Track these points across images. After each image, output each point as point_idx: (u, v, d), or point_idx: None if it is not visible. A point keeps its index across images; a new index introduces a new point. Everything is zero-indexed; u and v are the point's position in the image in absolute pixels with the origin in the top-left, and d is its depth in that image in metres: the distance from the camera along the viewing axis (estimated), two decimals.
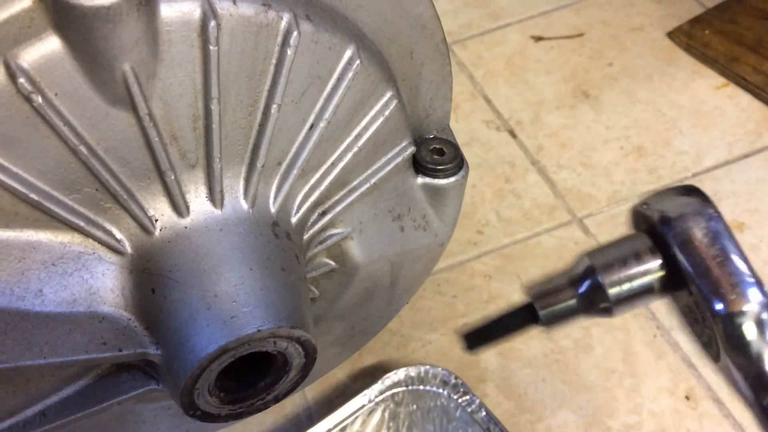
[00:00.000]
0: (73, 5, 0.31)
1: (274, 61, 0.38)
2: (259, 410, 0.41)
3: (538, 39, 1.05)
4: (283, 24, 0.38)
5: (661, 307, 0.77)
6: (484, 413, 0.63)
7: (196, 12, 0.35)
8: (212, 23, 0.35)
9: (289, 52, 0.38)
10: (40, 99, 0.33)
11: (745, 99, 0.94)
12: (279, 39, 0.38)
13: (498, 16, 1.08)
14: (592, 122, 0.95)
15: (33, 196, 0.35)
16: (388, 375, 0.64)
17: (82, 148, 0.35)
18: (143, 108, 0.35)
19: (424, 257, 0.50)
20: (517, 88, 1.00)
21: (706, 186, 0.85)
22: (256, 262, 0.38)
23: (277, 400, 0.41)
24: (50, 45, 0.33)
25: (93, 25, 0.32)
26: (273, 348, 0.38)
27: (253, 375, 0.40)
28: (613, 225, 0.86)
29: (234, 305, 0.37)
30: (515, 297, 0.79)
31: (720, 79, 0.97)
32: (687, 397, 0.71)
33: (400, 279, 0.50)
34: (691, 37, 0.99)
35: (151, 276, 0.37)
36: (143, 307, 0.38)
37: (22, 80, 0.33)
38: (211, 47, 0.36)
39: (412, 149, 0.46)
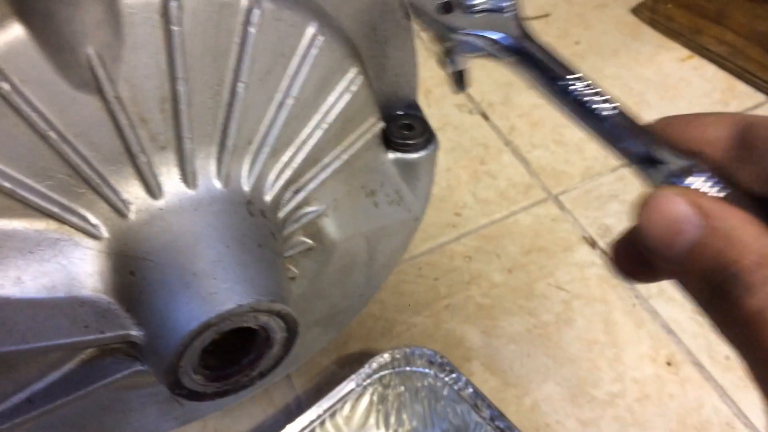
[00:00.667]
0: None
1: (237, 39, 0.39)
2: (245, 387, 0.41)
3: None
4: (244, 2, 0.38)
5: None
6: (471, 390, 0.63)
7: None
8: (173, 3, 0.36)
9: (252, 30, 0.38)
10: (7, 86, 0.33)
11: (710, 69, 0.96)
12: (241, 17, 0.38)
13: None
14: None
15: (6, 184, 0.35)
16: (375, 358, 0.64)
17: (52, 134, 0.35)
18: (110, 91, 0.36)
19: (399, 232, 0.51)
20: (487, 69, 1.01)
21: None
22: (233, 239, 0.38)
23: (262, 376, 0.41)
24: (13, 32, 0.33)
25: (54, 9, 0.33)
26: (254, 323, 0.39)
27: (236, 352, 0.40)
28: (588, 200, 0.87)
29: (213, 282, 0.37)
30: (496, 276, 0.80)
31: (684, 51, 0.99)
32: (668, 363, 0.72)
33: (378, 255, 0.51)
34: (654, 12, 1.00)
35: (129, 258, 0.38)
36: (123, 289, 0.38)
37: None
38: (173, 28, 0.36)
39: (381, 125, 0.47)
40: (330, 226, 0.46)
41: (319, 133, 0.43)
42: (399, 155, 0.49)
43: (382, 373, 0.65)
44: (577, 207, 0.87)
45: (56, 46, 0.34)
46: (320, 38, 0.41)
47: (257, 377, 0.41)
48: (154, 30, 0.36)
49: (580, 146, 0.91)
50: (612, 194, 0.86)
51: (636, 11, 1.01)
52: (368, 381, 0.63)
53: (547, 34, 1.03)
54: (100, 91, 0.36)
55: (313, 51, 0.41)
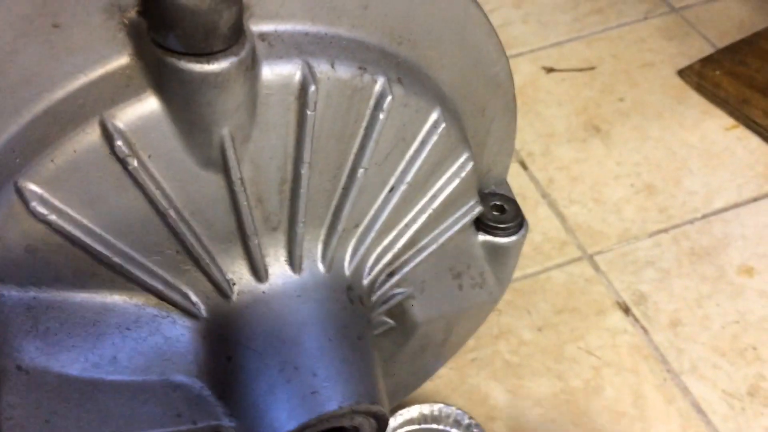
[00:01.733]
0: (181, 69, 0.30)
1: (364, 124, 0.37)
2: None
3: (550, 70, 1.05)
4: (377, 88, 0.36)
5: (671, 351, 0.78)
6: None
7: (296, 75, 0.34)
8: (312, 88, 0.34)
9: (381, 116, 0.37)
10: (135, 162, 0.31)
11: (755, 141, 0.96)
12: (371, 102, 0.37)
13: (510, 45, 1.08)
14: (603, 157, 0.96)
15: (115, 258, 0.33)
16: (401, 412, 0.63)
17: (171, 212, 0.33)
18: (236, 172, 0.34)
19: (476, 314, 0.50)
20: (528, 118, 1.00)
21: (715, 228, 0.87)
22: (335, 331, 0.37)
23: None
24: (149, 106, 0.31)
25: (199, 90, 0.30)
26: (349, 423, 0.37)
27: None
28: (623, 263, 0.86)
29: (314, 379, 0.35)
30: (526, 333, 0.79)
31: (730, 120, 0.98)
32: None
33: (452, 335, 0.49)
34: (701, 77, 1.00)
35: (228, 342, 0.36)
36: (217, 375, 0.36)
37: (119, 143, 0.31)
38: (308, 112, 0.34)
39: (479, 209, 0.45)
40: (415, 308, 0.45)
41: (423, 218, 0.42)
42: (489, 238, 0.47)
43: (408, 428, 0.64)
44: (612, 269, 0.86)
45: (191, 124, 0.32)
46: (442, 124, 0.39)
47: None
48: (287, 112, 0.34)
49: (619, 206, 0.90)
50: (648, 260, 0.85)
51: (683, 74, 1.01)
52: None
53: (592, 88, 1.02)
54: (225, 171, 0.34)
55: (434, 137, 0.39)
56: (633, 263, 0.86)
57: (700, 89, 1.00)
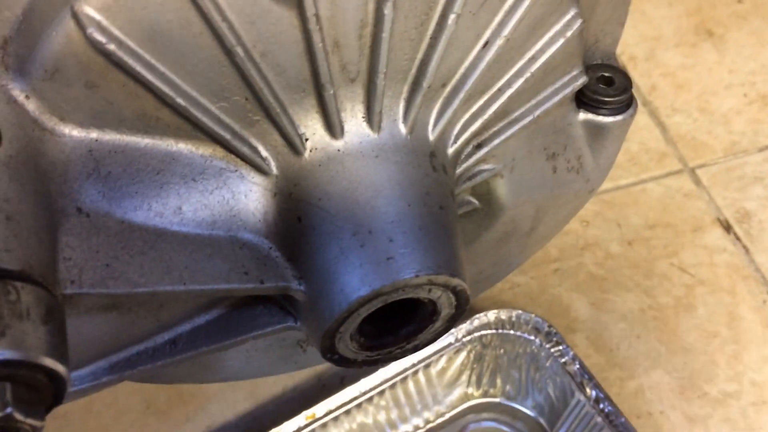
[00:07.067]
0: None
1: None
2: (395, 358, 0.37)
3: None
4: None
5: None
6: (577, 366, 0.60)
7: None
8: None
9: None
10: None
11: None
12: None
13: None
14: (715, 64, 0.87)
15: (179, 100, 0.30)
16: (478, 315, 0.60)
17: (239, 49, 0.30)
18: (311, 7, 0.30)
19: (570, 203, 0.45)
20: (633, 19, 0.91)
21: None
22: (415, 197, 0.33)
23: (416, 349, 0.37)
24: None
25: None
26: (425, 295, 0.34)
27: (395, 321, 0.36)
28: (728, 178, 0.79)
29: (390, 245, 0.32)
30: (614, 246, 0.74)
31: None
32: None
33: (540, 225, 0.45)
34: None
35: (298, 202, 0.33)
36: (286, 236, 0.33)
37: None
38: None
39: (583, 79, 0.40)
40: (502, 188, 0.41)
41: (519, 82, 0.37)
42: (591, 116, 0.42)
43: (483, 332, 0.61)
44: (715, 184, 0.79)
45: None
46: None
47: (411, 350, 0.37)
48: None
49: (728, 117, 0.82)
50: (757, 176, 0.78)
51: None
52: (468, 338, 0.60)
53: None
54: (299, 6, 0.30)
55: None
56: (739, 179, 0.79)
57: None
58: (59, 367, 0.24)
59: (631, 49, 0.89)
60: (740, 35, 0.89)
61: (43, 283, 0.25)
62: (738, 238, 0.74)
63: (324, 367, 0.63)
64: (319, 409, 0.55)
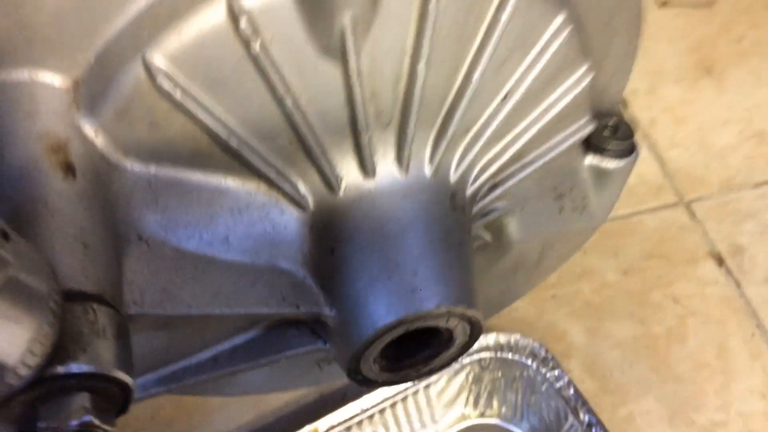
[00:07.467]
0: None
1: (485, 24, 0.36)
2: (410, 380, 0.40)
3: (663, 4, 0.99)
4: None
5: (764, 307, 0.75)
6: (572, 391, 0.61)
7: None
8: None
9: (503, 17, 0.35)
10: (258, 44, 0.31)
11: None
12: (495, 2, 0.35)
13: None
14: (713, 100, 0.90)
15: (232, 140, 0.34)
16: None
17: (288, 98, 0.33)
18: (354, 63, 0.33)
19: (574, 239, 0.49)
20: None
21: None
22: (437, 234, 0.37)
23: (431, 373, 0.40)
24: None
25: None
26: (444, 324, 0.37)
27: (413, 345, 0.39)
28: (723, 213, 0.82)
29: (414, 278, 0.35)
30: (610, 275, 0.76)
31: None
32: None
33: (546, 258, 0.49)
34: None
35: (332, 235, 0.36)
36: (320, 266, 0.37)
37: (244, 23, 0.31)
38: (431, 4, 0.33)
39: (591, 127, 0.43)
40: (513, 225, 0.44)
41: (533, 130, 0.40)
42: (596, 160, 0.45)
43: (482, 354, 0.62)
44: (709, 218, 0.82)
45: (315, 8, 0.31)
46: (566, 30, 0.37)
47: (426, 373, 0.40)
48: (410, 5, 0.33)
49: (725, 153, 0.85)
50: (750, 212, 0.81)
51: None
52: (467, 360, 0.62)
53: (708, 25, 0.96)
54: (343, 61, 0.33)
55: (555, 44, 0.38)
56: (733, 213, 0.81)
57: None
58: (128, 379, 0.27)
59: (632, 83, 0.91)
60: (739, 73, 0.92)
61: (114, 305, 0.28)
62: (730, 272, 0.77)
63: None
64: (322, 423, 0.56)
